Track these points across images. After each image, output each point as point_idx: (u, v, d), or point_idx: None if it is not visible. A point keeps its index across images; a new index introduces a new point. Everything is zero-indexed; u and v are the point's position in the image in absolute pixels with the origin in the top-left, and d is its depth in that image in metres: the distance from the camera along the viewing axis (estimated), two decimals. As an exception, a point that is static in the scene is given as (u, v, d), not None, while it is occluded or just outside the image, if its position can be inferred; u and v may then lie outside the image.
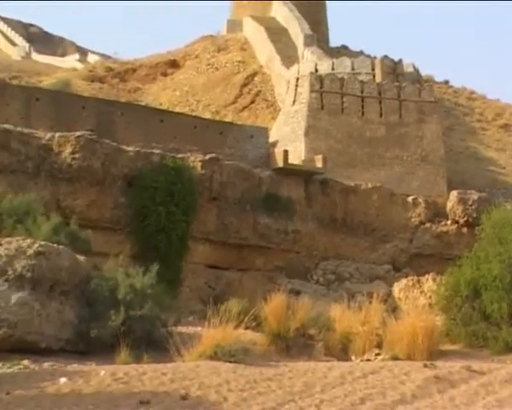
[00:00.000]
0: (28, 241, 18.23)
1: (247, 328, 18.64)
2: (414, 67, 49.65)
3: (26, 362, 16.91)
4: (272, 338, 19.31)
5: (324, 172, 35.92)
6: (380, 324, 19.85)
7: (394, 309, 23.14)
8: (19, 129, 27.62)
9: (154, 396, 14.27)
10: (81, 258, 19.21)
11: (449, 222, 34.44)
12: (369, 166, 42.27)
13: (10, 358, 17.01)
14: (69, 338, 18.11)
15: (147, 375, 15.43)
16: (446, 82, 58.38)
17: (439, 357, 18.70)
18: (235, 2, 64.22)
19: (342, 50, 57.52)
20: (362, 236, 33.95)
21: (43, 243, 18.34)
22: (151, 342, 18.04)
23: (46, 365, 16.87)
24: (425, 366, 17.22)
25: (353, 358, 19.25)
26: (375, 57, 49.94)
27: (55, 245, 18.56)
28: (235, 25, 61.61)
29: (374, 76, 46.58)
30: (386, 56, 48.56)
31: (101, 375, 15.39)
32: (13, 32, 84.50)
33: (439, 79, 57.73)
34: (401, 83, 44.98)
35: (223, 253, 30.55)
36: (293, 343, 19.55)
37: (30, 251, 17.88)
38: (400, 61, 49.09)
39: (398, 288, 26.87)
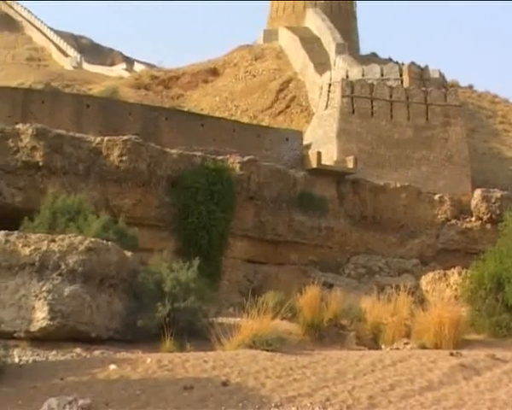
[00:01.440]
0: (80, 238, 18.33)
1: (283, 319, 18.60)
2: (440, 73, 49.35)
3: (78, 350, 17.04)
4: (307, 328, 19.27)
5: (355, 172, 35.79)
6: (408, 315, 19.73)
7: (422, 301, 22.97)
8: (71, 134, 27.80)
9: (196, 382, 14.31)
10: (128, 253, 19.28)
11: (473, 219, 34.13)
12: (398, 166, 42.06)
13: (64, 346, 17.16)
14: (117, 328, 18.20)
15: (190, 362, 15.47)
16: (470, 87, 57.93)
17: (465, 346, 18.55)
18: (271, 13, 64.23)
19: (372, 58, 57.28)
20: (391, 232, 33.77)
21: (93, 239, 18.43)
22: (193, 332, 18.06)
23: (97, 353, 16.98)
24: (451, 354, 17.11)
25: (383, 347, 19.16)
26: (402, 64, 49.70)
27: (105, 242, 18.65)
28: (271, 34, 61.65)
29: (402, 81, 46.37)
30: (413, 63, 48.30)
31: (148, 362, 15.47)
32: (65, 43, 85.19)
33: (463, 83, 57.35)
34: (427, 88, 44.68)
35: (260, 248, 30.53)
36: (327, 333, 19.50)
37: (81, 247, 17.99)
38: (427, 67, 48.81)
39: (425, 281, 26.67)
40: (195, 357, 15.86)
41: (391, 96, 43.43)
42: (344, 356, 16.74)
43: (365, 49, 62.67)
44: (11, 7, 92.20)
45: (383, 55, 59.97)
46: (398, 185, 34.61)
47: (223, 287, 27.46)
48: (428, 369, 15.98)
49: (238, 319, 18.90)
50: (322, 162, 36.13)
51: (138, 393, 13.86)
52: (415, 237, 33.95)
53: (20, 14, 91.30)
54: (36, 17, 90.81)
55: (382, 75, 46.90)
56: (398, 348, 18.56)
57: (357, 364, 16.04)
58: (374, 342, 19.64)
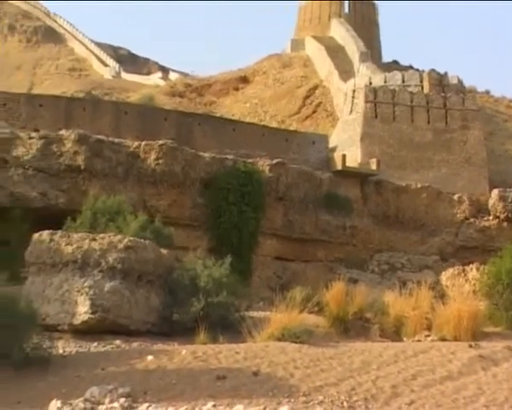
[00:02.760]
0: (119, 237, 18.44)
1: (310, 312, 18.55)
2: (458, 79, 49.04)
3: (117, 342, 17.14)
4: (333, 321, 19.20)
5: (378, 173, 35.69)
6: (429, 308, 19.59)
7: (442, 296, 22.80)
8: (110, 139, 27.95)
9: (229, 372, 14.34)
10: (164, 251, 19.35)
11: (491, 217, 33.86)
12: (419, 168, 41.89)
13: (104, 338, 17.28)
14: (154, 322, 18.28)
15: (222, 354, 15.51)
16: (487, 92, 57.47)
17: (483, 338, 18.41)
18: (298, 23, 64.18)
19: (393, 65, 57.05)
20: (412, 230, 33.60)
21: (131, 238, 18.52)
22: (226, 325, 18.06)
23: (135, 344, 17.07)
24: (470, 346, 17.00)
25: (405, 339, 19.07)
26: (423, 71, 49.47)
27: (142, 240, 18.74)
28: (298, 44, 61.59)
29: (422, 87, 46.16)
30: (433, 70, 48.06)
31: (183, 353, 15.52)
32: (105, 54, 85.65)
33: (480, 89, 56.91)
34: (446, 93, 44.47)
35: (288, 246, 30.50)
36: (352, 326, 19.43)
37: (120, 246, 18.09)
38: (446, 73, 48.55)
39: (445, 276, 26.48)
40: (228, 348, 15.89)
41: (412, 102, 43.29)
42: (368, 348, 16.70)
43: (387, 56, 62.47)
44: (55, 21, 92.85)
45: (404, 62, 59.77)
46: (419, 186, 34.42)
47: (253, 283, 27.44)
48: (448, 360, 15.91)
49: (268, 313, 18.89)
50: (347, 164, 36.09)
51: (174, 382, 13.92)
52: (435, 235, 33.76)
53: (64, 28, 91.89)
54: (78, 30, 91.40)
55: (404, 82, 46.71)
56: (419, 340, 18.46)
57: (380, 355, 15.99)
58: (396, 334, 19.53)
